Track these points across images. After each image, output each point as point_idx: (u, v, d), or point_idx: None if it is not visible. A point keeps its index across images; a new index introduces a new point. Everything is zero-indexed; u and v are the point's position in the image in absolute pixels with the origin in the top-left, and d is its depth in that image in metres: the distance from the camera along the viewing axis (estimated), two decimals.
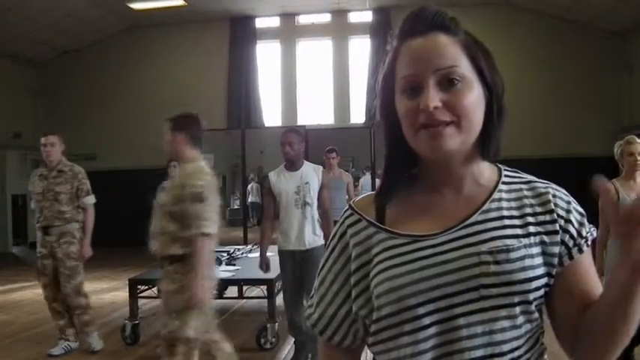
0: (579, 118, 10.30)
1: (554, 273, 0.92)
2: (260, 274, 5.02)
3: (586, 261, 0.95)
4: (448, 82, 0.89)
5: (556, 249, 0.91)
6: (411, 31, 0.92)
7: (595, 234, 0.95)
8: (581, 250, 0.93)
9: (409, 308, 0.88)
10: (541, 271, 0.90)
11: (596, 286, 0.94)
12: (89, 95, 11.17)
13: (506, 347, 0.86)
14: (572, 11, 9.88)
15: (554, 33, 10.29)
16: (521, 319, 0.88)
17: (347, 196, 6.37)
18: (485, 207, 0.93)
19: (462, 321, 0.86)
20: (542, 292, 0.90)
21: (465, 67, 0.90)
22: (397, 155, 0.97)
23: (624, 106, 10.20)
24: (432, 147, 0.88)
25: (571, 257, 0.92)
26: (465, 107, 0.88)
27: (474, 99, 0.90)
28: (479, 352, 0.85)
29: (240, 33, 11.47)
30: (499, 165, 1.01)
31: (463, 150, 0.92)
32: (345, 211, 1.03)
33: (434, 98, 0.87)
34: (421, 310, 0.87)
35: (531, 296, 0.88)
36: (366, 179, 10.28)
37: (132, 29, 11.61)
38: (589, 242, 0.94)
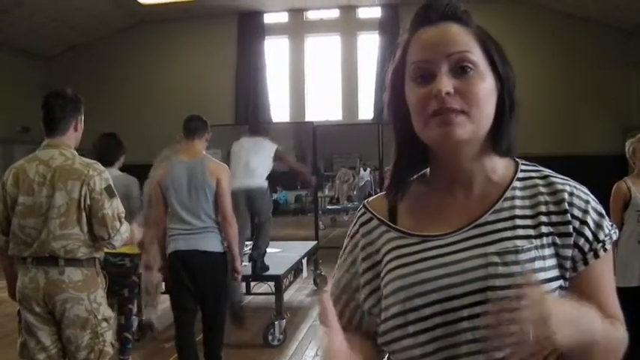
0: (585, 116, 10.16)
1: (567, 276, 0.87)
2: (268, 271, 4.98)
3: (601, 267, 0.89)
4: (461, 69, 0.87)
5: (569, 252, 0.87)
6: (423, 21, 0.91)
7: (615, 237, 0.89)
8: (597, 255, 0.88)
9: (415, 309, 0.85)
10: (553, 273, 0.86)
11: (605, 299, 0.89)
12: (97, 89, 11.14)
13: None
14: (583, 8, 9.75)
15: (561, 30, 10.13)
16: None
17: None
18: (497, 206, 0.90)
19: (465, 324, 0.82)
20: (554, 294, 0.85)
21: (477, 56, 0.88)
22: (407, 151, 0.95)
23: (632, 104, 10.07)
24: (442, 134, 0.85)
25: (586, 263, 0.88)
26: (476, 96, 0.86)
27: (485, 89, 0.87)
28: (481, 357, 0.81)
29: (249, 28, 11.44)
30: (517, 160, 0.96)
31: (474, 142, 0.89)
32: (359, 209, 1.02)
33: (446, 84, 0.85)
34: (427, 311, 0.85)
35: None
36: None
37: (140, 24, 11.60)
38: (607, 246, 0.89)
